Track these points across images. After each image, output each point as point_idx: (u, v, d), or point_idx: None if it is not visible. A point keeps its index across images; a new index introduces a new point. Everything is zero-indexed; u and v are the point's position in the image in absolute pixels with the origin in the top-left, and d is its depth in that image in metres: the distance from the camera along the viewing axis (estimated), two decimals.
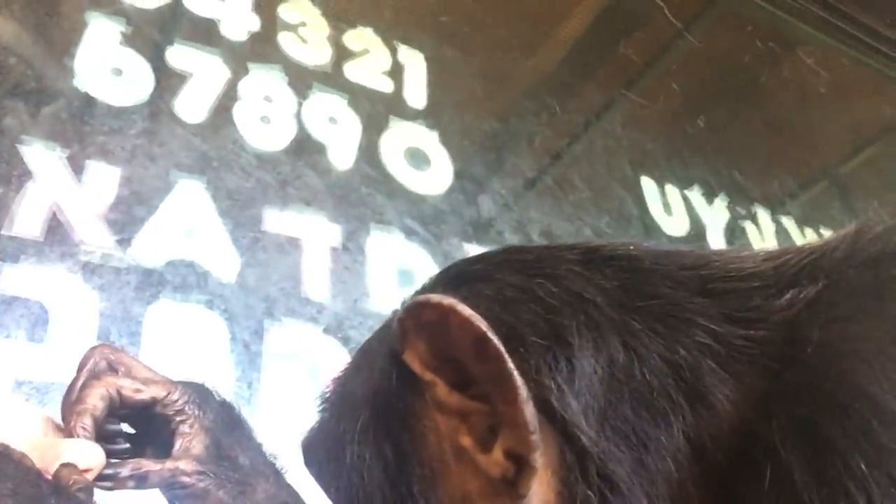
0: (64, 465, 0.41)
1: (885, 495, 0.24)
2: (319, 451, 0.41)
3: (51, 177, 0.93)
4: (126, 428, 0.52)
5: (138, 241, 0.94)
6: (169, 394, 0.50)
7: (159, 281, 0.92)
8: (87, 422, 0.46)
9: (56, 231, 0.89)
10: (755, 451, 0.28)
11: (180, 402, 0.50)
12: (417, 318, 0.33)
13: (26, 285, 0.84)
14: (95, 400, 0.47)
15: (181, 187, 1.01)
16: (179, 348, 0.89)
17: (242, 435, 0.53)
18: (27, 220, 0.88)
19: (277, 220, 1.06)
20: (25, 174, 0.91)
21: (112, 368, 0.51)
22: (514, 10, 1.64)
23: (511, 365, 0.30)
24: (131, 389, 0.49)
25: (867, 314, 0.29)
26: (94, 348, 0.52)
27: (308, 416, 0.44)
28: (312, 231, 1.08)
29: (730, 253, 0.37)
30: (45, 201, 0.90)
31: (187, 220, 0.99)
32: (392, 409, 0.36)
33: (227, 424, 0.52)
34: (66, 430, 0.45)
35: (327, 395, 0.42)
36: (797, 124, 1.92)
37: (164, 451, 0.50)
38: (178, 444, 0.49)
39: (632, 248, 0.37)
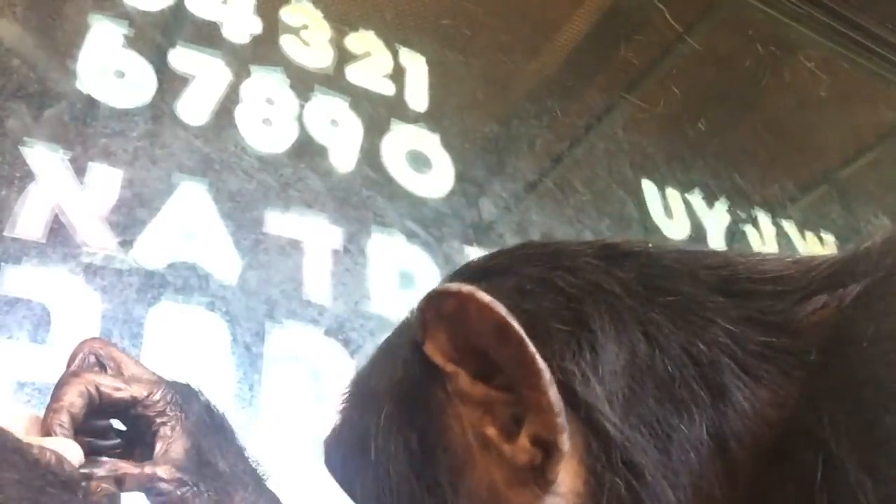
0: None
1: None
2: (341, 448, 0.41)
3: (53, 178, 0.93)
4: (117, 425, 0.51)
5: (140, 242, 0.94)
6: (150, 394, 0.49)
7: (161, 283, 0.92)
8: (64, 419, 0.45)
9: (58, 233, 0.89)
10: (801, 449, 0.28)
11: (161, 403, 0.49)
12: (438, 308, 0.33)
13: (28, 287, 0.84)
14: (73, 397, 0.46)
15: (183, 189, 1.01)
16: (181, 350, 0.90)
17: (224, 439, 0.53)
18: (29, 221, 0.88)
19: (279, 223, 1.06)
20: (28, 176, 0.91)
21: (100, 364, 0.51)
22: (515, 13, 1.64)
23: (532, 348, 0.30)
24: (111, 387, 0.48)
25: None
26: (83, 343, 0.52)
27: (327, 417, 0.44)
28: (314, 233, 1.08)
29: (753, 256, 0.37)
30: (47, 203, 0.91)
31: (189, 222, 0.99)
32: (415, 401, 0.36)
33: (208, 428, 0.52)
34: (43, 428, 0.45)
35: (347, 394, 0.42)
36: (798, 128, 1.93)
37: (151, 452, 0.49)
38: (159, 447, 0.49)
39: (650, 245, 0.37)
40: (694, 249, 0.37)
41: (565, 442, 0.30)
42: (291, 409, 0.91)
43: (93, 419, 0.49)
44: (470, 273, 0.39)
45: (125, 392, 0.48)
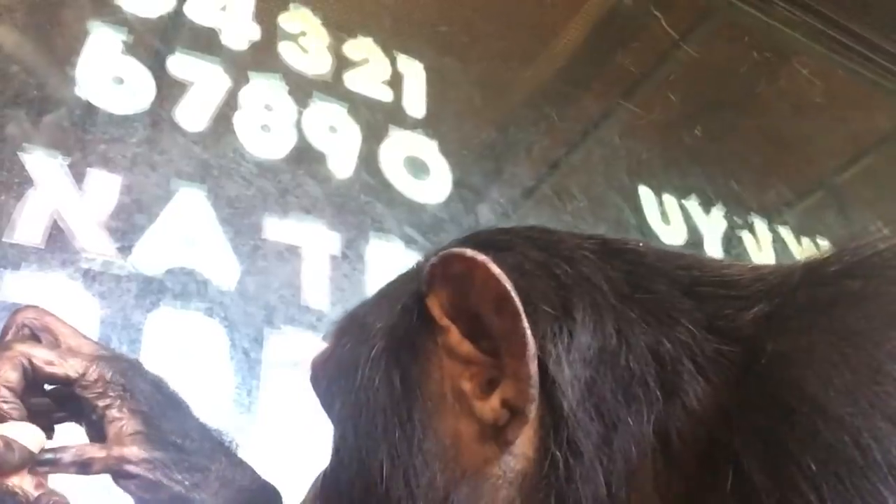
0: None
1: (834, 491, 0.26)
2: (330, 369, 0.44)
3: (52, 184, 0.93)
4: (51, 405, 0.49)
5: (139, 248, 0.94)
6: (86, 373, 0.46)
7: (159, 288, 0.92)
8: (7, 395, 0.43)
9: (57, 238, 0.89)
10: (718, 455, 0.30)
11: (100, 383, 0.46)
12: (447, 267, 0.36)
13: (27, 292, 0.84)
14: (7, 372, 0.44)
15: (182, 195, 1.01)
16: (179, 356, 0.90)
17: (182, 415, 0.50)
18: (28, 227, 0.88)
19: (277, 229, 1.06)
20: (27, 182, 0.92)
21: (34, 336, 0.48)
22: (512, 20, 1.65)
23: (526, 323, 0.33)
24: (43, 360, 0.45)
25: (814, 327, 0.31)
26: (17, 311, 0.49)
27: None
28: (312, 239, 1.08)
29: (723, 260, 0.40)
30: (46, 209, 0.91)
31: (188, 228, 0.99)
32: (406, 344, 0.39)
33: (162, 406, 0.49)
34: None
35: (343, 324, 0.45)
36: (793, 134, 1.93)
37: (99, 430, 0.46)
38: (111, 430, 0.46)
39: (640, 245, 0.41)
40: (673, 250, 0.41)
41: (532, 410, 0.34)
42: (290, 415, 0.91)
43: (30, 396, 0.46)
44: (479, 242, 0.41)
45: (59, 368, 0.46)
